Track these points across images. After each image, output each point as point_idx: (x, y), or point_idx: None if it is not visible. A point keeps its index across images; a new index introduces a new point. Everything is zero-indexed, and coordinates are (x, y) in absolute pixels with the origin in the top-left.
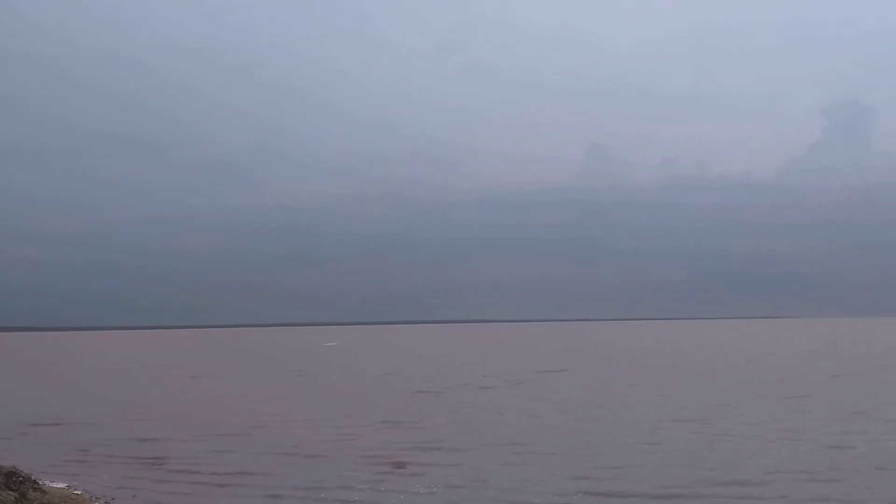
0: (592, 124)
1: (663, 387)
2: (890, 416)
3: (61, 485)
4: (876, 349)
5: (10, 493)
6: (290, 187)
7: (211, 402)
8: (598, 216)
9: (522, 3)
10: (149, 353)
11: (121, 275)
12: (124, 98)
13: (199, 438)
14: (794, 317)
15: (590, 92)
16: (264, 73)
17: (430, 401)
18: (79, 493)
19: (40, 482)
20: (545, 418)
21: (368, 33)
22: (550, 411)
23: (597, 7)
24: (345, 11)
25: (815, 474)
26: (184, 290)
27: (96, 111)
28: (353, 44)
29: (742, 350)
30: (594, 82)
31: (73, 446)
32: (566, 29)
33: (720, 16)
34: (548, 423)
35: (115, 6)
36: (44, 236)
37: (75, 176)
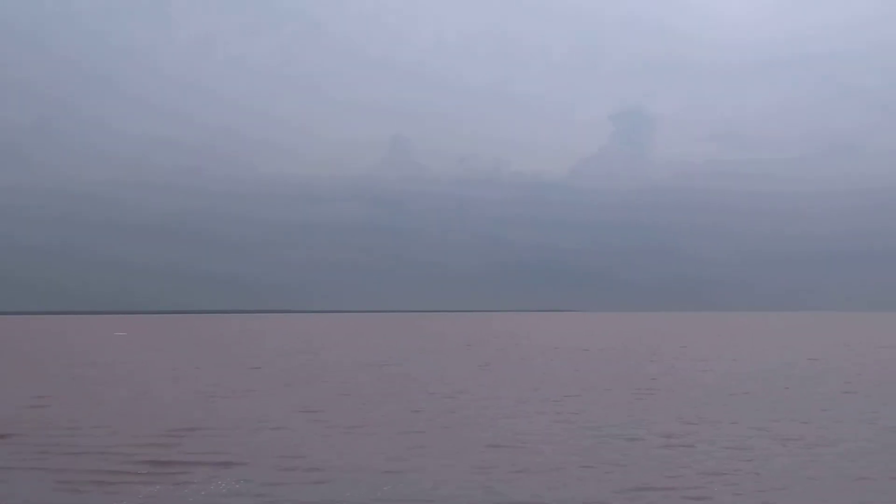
0: (396, 115)
1: (493, 382)
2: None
3: None
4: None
5: None
6: (68, 170)
7: None
8: (398, 207)
9: None
10: None
11: None
12: None
13: None
14: (580, 310)
15: (394, 82)
16: (51, 44)
17: (215, 404)
18: None
19: None
20: (332, 425)
21: (165, 10)
22: (340, 417)
23: None
24: None
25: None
26: None
27: None
28: (149, 20)
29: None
30: (398, 73)
31: None
32: (372, 17)
33: (519, 17)
34: (324, 431)
35: None
36: None
37: None
